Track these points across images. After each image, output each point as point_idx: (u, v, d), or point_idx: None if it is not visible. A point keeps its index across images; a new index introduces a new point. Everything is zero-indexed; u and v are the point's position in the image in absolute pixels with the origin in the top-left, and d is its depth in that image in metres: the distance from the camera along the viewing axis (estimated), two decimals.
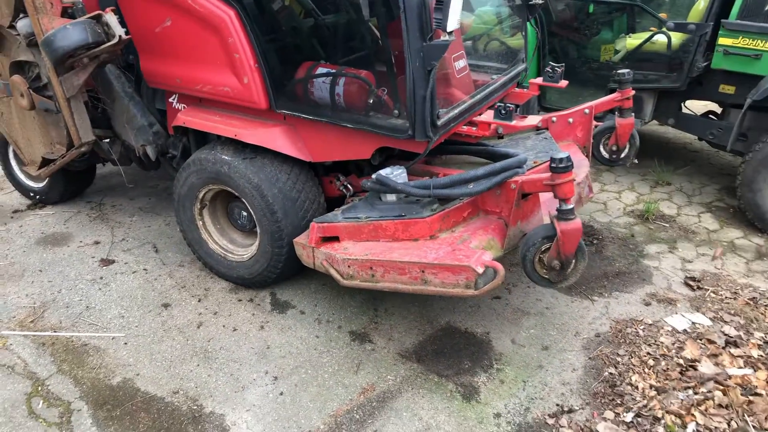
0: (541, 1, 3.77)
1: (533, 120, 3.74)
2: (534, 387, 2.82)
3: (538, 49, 5.10)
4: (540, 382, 2.85)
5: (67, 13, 3.38)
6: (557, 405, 2.71)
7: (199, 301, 3.45)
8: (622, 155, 3.88)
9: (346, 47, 3.31)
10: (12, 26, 3.47)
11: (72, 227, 4.26)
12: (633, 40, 4.89)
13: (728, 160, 5.40)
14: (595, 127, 3.82)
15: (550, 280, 2.78)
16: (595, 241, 4.08)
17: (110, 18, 3.13)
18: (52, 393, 2.78)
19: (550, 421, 2.62)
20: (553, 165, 2.56)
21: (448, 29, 2.52)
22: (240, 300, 3.45)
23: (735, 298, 3.39)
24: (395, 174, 3.03)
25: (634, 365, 2.90)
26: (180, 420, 2.64)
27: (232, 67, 3.11)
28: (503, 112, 3.19)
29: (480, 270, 2.58)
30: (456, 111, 3.04)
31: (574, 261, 2.69)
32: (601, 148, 3.92)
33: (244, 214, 3.44)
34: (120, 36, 3.14)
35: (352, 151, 3.15)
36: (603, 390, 2.78)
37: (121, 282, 3.62)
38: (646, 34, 4.77)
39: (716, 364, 2.85)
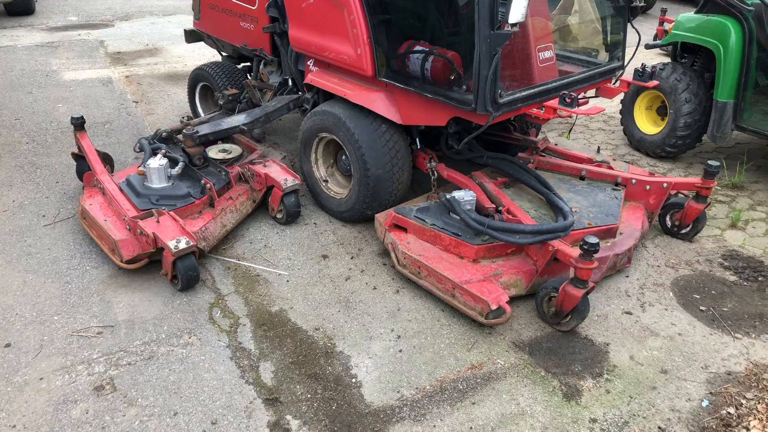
0: (642, 4, 3.90)
1: (617, 171, 4.28)
2: (639, 405, 2.84)
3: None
4: (647, 402, 2.85)
5: None
6: (659, 428, 2.71)
7: (351, 258, 3.97)
8: (683, 231, 4.21)
9: (439, 31, 3.81)
10: None
11: None
12: None
13: None
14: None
15: (548, 318, 3.33)
16: (760, 278, 3.78)
17: None
18: (227, 307, 3.50)
19: None
20: (583, 247, 2.99)
21: (510, 21, 2.95)
22: (385, 264, 3.89)
23: None
24: (465, 200, 3.64)
25: (758, 411, 2.75)
26: (315, 352, 3.17)
27: (351, 39, 3.82)
28: (567, 100, 3.40)
29: (493, 307, 3.13)
30: (523, 94, 3.43)
31: (569, 316, 3.23)
32: (667, 218, 4.26)
33: (344, 158, 4.23)
34: None
35: (432, 118, 3.73)
36: (714, 426, 2.70)
37: (294, 230, 4.28)
38: None
39: None
